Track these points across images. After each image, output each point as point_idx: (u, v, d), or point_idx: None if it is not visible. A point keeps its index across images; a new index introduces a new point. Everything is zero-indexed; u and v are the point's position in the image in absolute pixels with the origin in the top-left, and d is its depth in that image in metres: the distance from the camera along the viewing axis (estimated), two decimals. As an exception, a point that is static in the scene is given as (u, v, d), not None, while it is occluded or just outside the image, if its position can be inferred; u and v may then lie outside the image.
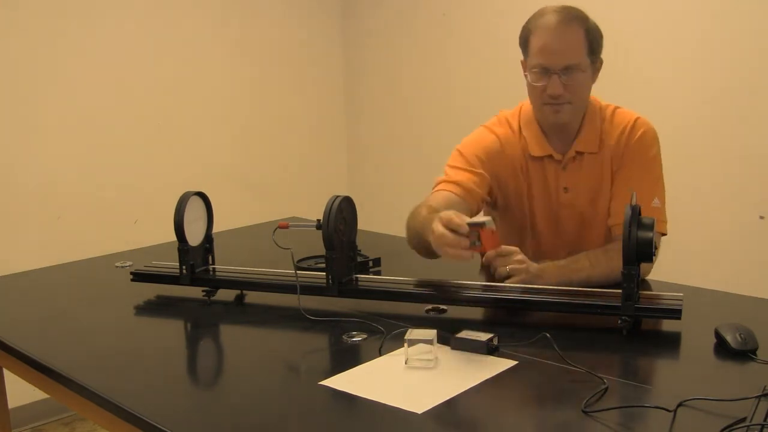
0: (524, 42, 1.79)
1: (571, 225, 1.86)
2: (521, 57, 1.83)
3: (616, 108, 1.86)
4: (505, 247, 1.66)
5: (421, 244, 1.69)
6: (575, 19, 1.72)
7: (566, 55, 1.71)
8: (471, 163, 1.86)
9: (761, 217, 2.67)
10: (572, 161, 1.83)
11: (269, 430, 1.14)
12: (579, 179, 1.83)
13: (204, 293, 1.77)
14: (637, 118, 1.82)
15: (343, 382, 1.26)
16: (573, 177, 1.84)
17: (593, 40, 1.75)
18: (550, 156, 1.84)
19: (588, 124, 1.83)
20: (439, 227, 1.48)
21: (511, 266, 1.64)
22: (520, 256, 1.66)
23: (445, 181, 1.85)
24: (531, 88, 1.78)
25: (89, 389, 1.29)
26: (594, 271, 1.69)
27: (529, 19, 1.78)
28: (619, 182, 1.80)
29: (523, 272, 1.64)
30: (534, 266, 1.67)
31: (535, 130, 1.85)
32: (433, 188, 1.88)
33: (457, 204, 1.77)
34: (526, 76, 1.79)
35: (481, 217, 1.51)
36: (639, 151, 1.79)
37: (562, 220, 1.87)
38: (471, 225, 1.46)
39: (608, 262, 1.69)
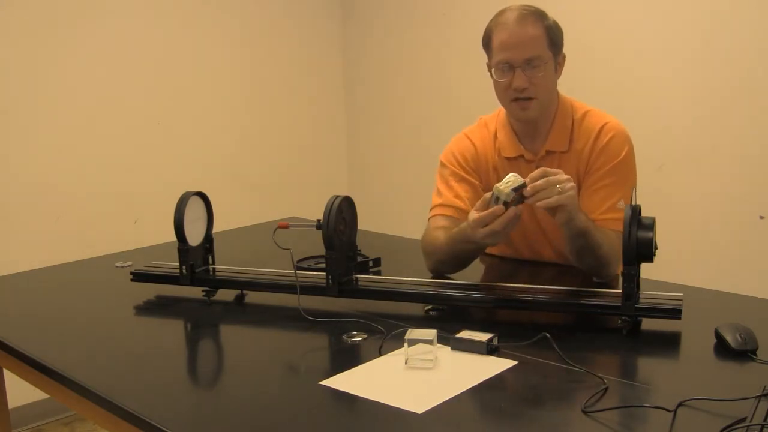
0: (487, 42, 1.83)
1: (549, 223, 1.86)
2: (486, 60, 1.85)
3: (588, 110, 1.86)
4: (550, 170, 1.55)
5: (456, 253, 1.76)
6: (533, 14, 1.77)
7: (527, 47, 1.74)
8: (457, 173, 1.92)
9: (761, 217, 2.67)
10: (545, 161, 1.85)
11: (269, 430, 1.14)
12: None
13: (204, 293, 1.77)
14: (605, 124, 1.82)
15: (343, 382, 1.26)
16: None
17: (553, 33, 1.77)
18: (523, 156, 1.87)
19: (558, 123, 1.85)
20: (474, 213, 1.58)
21: (562, 186, 1.52)
22: (565, 175, 1.55)
23: (441, 205, 1.90)
24: (497, 86, 1.81)
25: (89, 389, 1.29)
26: (605, 240, 1.66)
27: (489, 21, 1.82)
28: (587, 185, 1.81)
29: (571, 190, 1.54)
30: (573, 192, 1.56)
31: (508, 131, 1.89)
32: (431, 210, 1.93)
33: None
34: (491, 75, 1.81)
35: (513, 179, 1.54)
36: (606, 156, 1.79)
37: (540, 219, 1.88)
38: (515, 190, 1.52)
39: (615, 245, 1.68)
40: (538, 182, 1.52)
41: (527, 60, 1.74)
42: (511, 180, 1.54)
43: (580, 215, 1.61)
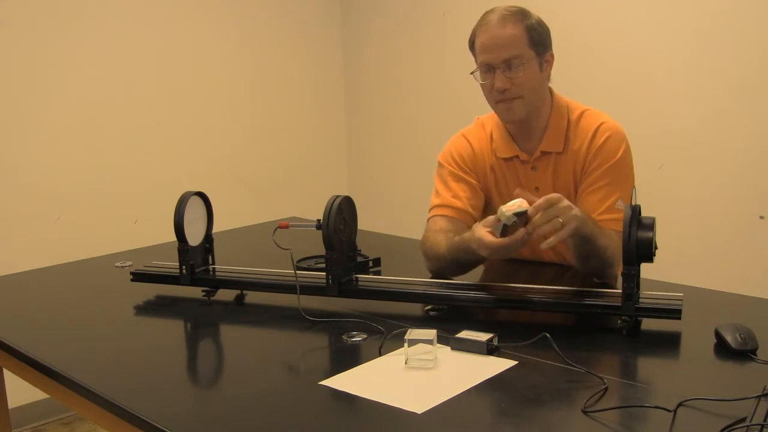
0: (471, 45, 1.83)
1: None
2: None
3: (585, 111, 1.86)
4: (551, 197, 1.50)
5: (459, 261, 1.75)
6: (514, 14, 1.76)
7: (505, 48, 1.74)
8: (454, 173, 1.92)
9: (761, 217, 2.67)
10: (540, 161, 1.85)
11: (269, 430, 1.14)
12: (549, 179, 1.85)
13: (204, 293, 1.77)
14: (601, 124, 1.82)
15: (343, 382, 1.26)
16: (543, 177, 1.86)
17: (535, 33, 1.77)
18: (518, 157, 1.87)
19: (553, 124, 1.85)
20: (482, 230, 1.58)
21: (564, 216, 1.48)
22: (566, 202, 1.51)
23: (439, 205, 1.90)
24: (482, 88, 1.82)
25: (89, 389, 1.29)
26: (609, 244, 1.65)
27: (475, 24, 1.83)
28: (585, 186, 1.81)
29: (573, 220, 1.50)
30: (578, 213, 1.53)
31: (503, 132, 1.89)
32: (430, 210, 1.93)
33: (460, 225, 1.85)
34: (476, 78, 1.82)
35: (519, 204, 1.51)
36: (603, 157, 1.79)
37: None
38: (517, 215, 1.49)
39: (617, 245, 1.65)
40: (538, 218, 1.47)
41: (506, 60, 1.74)
42: (516, 203, 1.51)
43: (585, 227, 1.57)
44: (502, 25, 1.75)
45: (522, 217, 1.50)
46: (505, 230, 1.53)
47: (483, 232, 1.57)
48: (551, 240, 1.48)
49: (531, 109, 1.81)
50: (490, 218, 1.59)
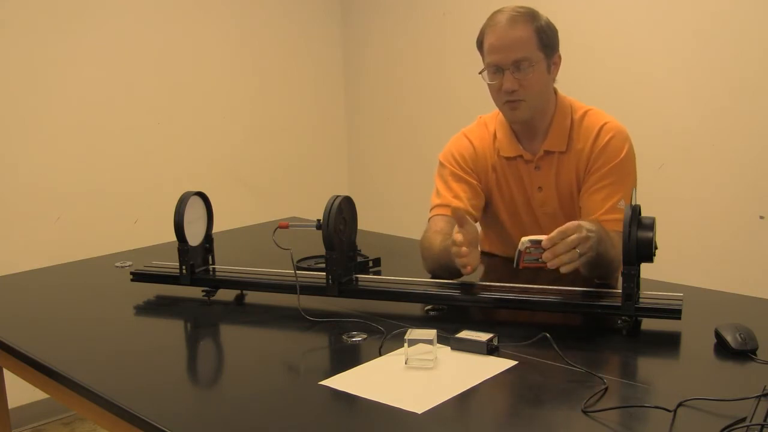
0: (480, 44, 1.83)
1: (548, 223, 1.87)
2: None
3: (588, 110, 1.86)
4: (566, 228, 1.48)
5: (448, 270, 1.72)
6: (524, 15, 1.76)
7: (515, 49, 1.74)
8: (455, 173, 1.92)
9: (761, 217, 2.67)
10: (544, 161, 1.85)
11: (269, 430, 1.14)
12: (552, 178, 1.85)
13: (204, 293, 1.77)
14: (605, 123, 1.82)
15: (343, 382, 1.26)
16: (546, 176, 1.86)
17: (544, 34, 1.76)
18: (521, 156, 1.87)
19: (557, 123, 1.85)
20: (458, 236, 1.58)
21: (581, 247, 1.47)
22: (584, 232, 1.49)
23: (440, 205, 1.90)
24: (490, 89, 1.82)
25: (89, 389, 1.29)
26: (617, 255, 1.62)
27: (483, 23, 1.82)
28: (588, 185, 1.81)
29: (590, 250, 1.50)
30: (593, 238, 1.50)
31: (507, 131, 1.89)
32: (430, 210, 1.93)
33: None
34: (484, 78, 1.82)
35: (534, 236, 1.50)
36: (606, 157, 1.79)
37: (540, 219, 1.89)
38: (532, 241, 1.48)
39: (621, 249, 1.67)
40: (558, 247, 1.46)
41: (515, 62, 1.74)
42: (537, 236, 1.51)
43: (600, 247, 1.54)
44: (512, 26, 1.74)
45: (538, 245, 1.48)
46: (519, 256, 1.52)
47: (458, 236, 1.58)
48: (568, 267, 1.48)
49: (536, 111, 1.81)
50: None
